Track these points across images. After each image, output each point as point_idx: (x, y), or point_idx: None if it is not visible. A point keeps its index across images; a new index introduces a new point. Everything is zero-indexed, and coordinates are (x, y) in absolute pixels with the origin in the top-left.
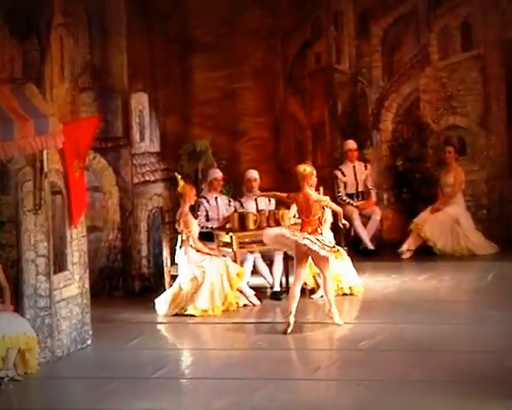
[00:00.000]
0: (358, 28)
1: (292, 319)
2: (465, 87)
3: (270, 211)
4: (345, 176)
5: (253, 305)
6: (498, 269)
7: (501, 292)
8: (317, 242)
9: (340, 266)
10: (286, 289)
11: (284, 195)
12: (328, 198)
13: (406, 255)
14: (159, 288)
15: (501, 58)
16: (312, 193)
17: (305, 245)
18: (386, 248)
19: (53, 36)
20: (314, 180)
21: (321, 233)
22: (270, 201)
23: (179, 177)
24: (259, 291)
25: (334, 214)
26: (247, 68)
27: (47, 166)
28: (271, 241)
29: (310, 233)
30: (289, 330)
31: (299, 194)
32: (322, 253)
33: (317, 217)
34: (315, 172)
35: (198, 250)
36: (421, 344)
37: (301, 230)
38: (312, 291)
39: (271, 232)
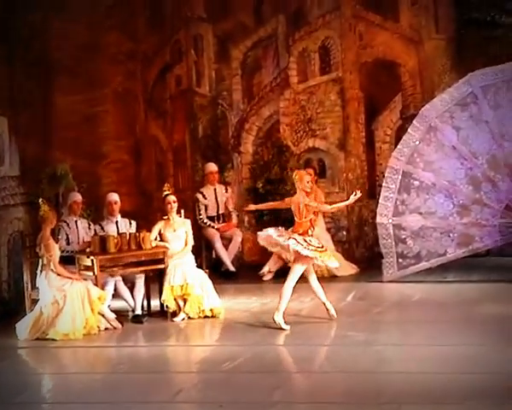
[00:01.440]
0: (218, 52)
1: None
2: (324, 110)
3: (131, 234)
4: (206, 199)
5: (115, 328)
6: (358, 290)
7: (360, 313)
8: (303, 242)
9: (201, 288)
10: (147, 313)
11: (277, 203)
12: (318, 204)
13: (267, 277)
14: (19, 312)
15: (359, 81)
16: (303, 197)
17: (289, 245)
18: (248, 270)
19: None
20: (307, 185)
21: (311, 235)
22: (130, 224)
23: (42, 201)
24: (121, 315)
25: (197, 236)
26: (107, 92)
27: None
28: (265, 243)
29: (300, 234)
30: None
31: (293, 197)
32: (305, 252)
33: (308, 219)
34: (307, 177)
35: (59, 274)
36: (282, 365)
37: (293, 231)
38: (174, 314)
39: (262, 234)
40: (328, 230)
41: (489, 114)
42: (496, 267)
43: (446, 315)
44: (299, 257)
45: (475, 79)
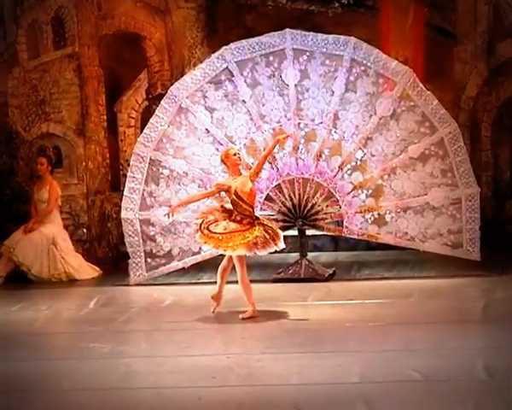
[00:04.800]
0: None
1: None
2: (59, 90)
3: None
4: None
5: None
6: (101, 295)
7: (105, 321)
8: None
9: None
10: None
11: None
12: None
13: None
14: None
15: (98, 56)
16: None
17: None
18: None
19: None
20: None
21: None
22: None
23: None
24: None
25: None
26: None
27: None
28: None
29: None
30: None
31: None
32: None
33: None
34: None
35: None
36: (14, 384)
37: None
38: None
39: None
40: (66, 227)
41: (246, 92)
42: (258, 266)
43: (202, 321)
44: None
45: (230, 53)
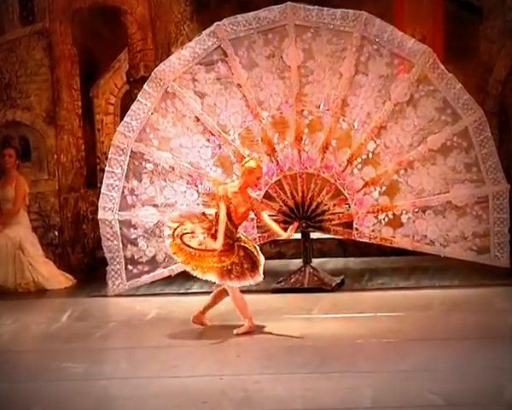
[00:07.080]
0: None
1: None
2: (27, 72)
3: None
4: None
5: None
6: (75, 307)
7: (79, 337)
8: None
9: None
10: None
11: None
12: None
13: None
14: None
15: (72, 34)
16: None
17: None
18: None
19: None
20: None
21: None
22: None
23: None
24: None
25: None
26: None
27: None
28: None
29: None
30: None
31: None
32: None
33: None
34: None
35: None
36: None
37: None
38: None
39: None
40: (35, 229)
41: (242, 75)
42: None
43: (191, 337)
44: None
45: (223, 30)
